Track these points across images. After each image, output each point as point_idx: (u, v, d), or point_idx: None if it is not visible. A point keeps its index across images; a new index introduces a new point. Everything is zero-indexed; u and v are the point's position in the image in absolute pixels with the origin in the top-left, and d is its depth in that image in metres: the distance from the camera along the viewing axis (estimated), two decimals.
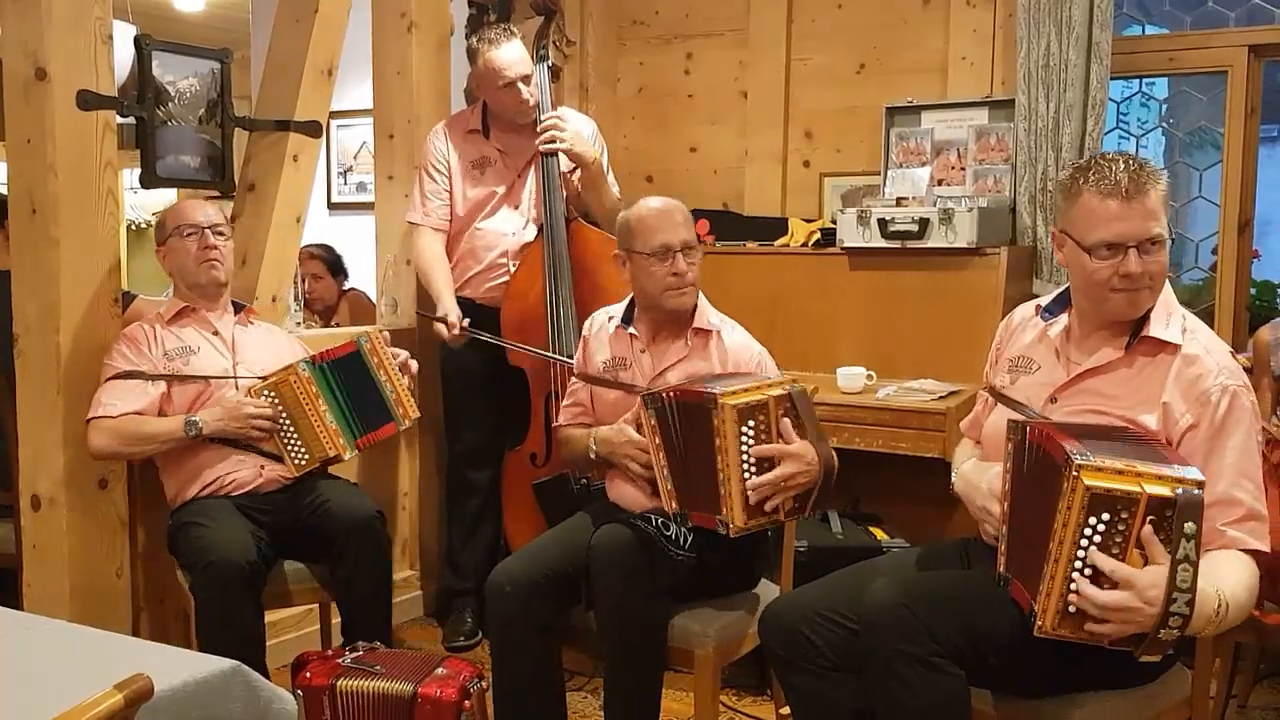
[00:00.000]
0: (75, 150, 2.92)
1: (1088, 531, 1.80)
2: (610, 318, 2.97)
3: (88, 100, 2.92)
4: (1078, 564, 1.81)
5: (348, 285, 4.97)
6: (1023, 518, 2.02)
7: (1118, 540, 1.80)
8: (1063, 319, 2.27)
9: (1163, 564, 1.75)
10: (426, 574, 4.16)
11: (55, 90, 2.87)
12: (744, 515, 2.46)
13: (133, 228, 8.32)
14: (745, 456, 2.45)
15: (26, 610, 2.85)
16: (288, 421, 2.97)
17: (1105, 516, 1.79)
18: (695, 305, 2.85)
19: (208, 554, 2.71)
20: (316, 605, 3.23)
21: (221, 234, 3.10)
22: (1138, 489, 1.78)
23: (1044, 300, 2.33)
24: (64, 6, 2.86)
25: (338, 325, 4.69)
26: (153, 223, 8.73)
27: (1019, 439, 2.03)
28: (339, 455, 3.00)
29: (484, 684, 2.64)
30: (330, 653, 2.70)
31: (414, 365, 3.17)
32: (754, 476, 2.46)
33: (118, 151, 3.05)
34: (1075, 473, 1.80)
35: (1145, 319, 2.12)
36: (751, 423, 2.45)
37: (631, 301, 2.93)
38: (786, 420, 2.49)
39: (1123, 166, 2.07)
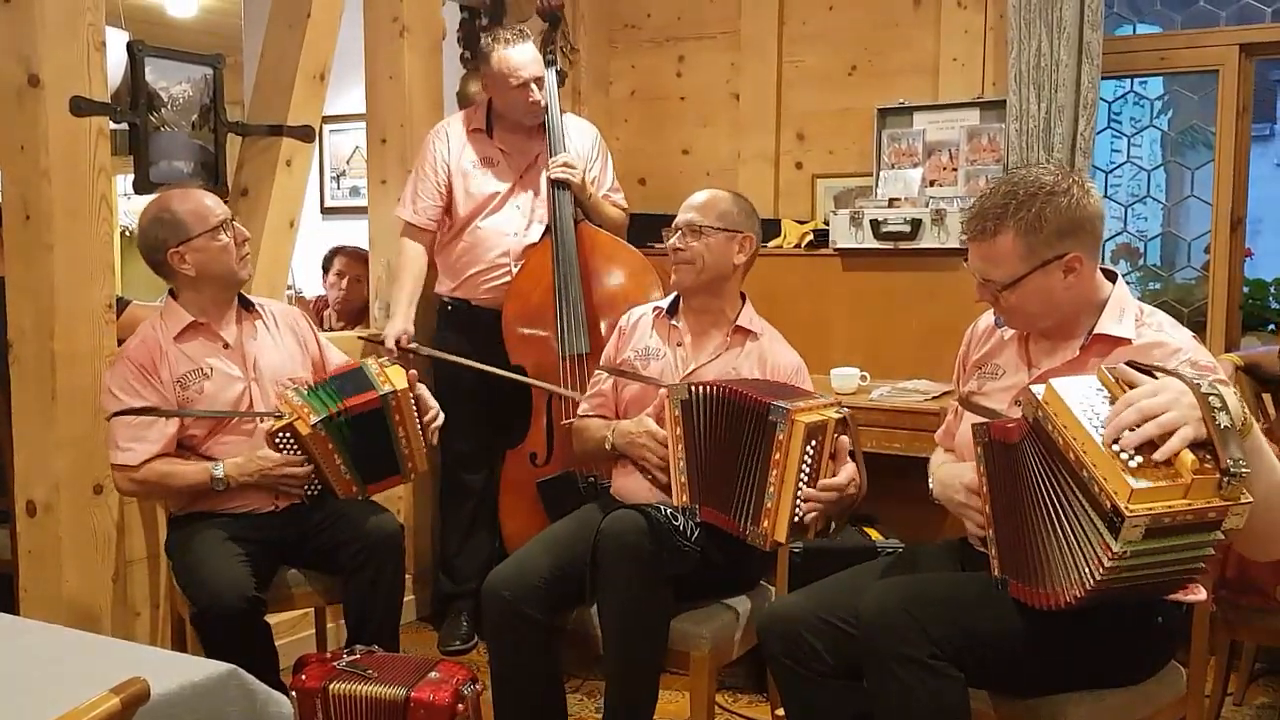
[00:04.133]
0: (69, 156, 2.92)
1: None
2: (656, 308, 3.00)
3: (81, 106, 2.92)
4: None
5: None
6: (1008, 514, 2.02)
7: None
8: None
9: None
10: (421, 577, 4.16)
11: (48, 96, 2.87)
12: (786, 532, 2.47)
13: (126, 233, 8.28)
14: (804, 475, 2.45)
15: (23, 615, 2.85)
16: (308, 463, 2.89)
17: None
18: (735, 306, 2.91)
19: (201, 597, 2.67)
20: (312, 609, 3.23)
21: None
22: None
23: None
24: (57, 13, 2.87)
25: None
26: None
27: (985, 441, 2.04)
28: (352, 498, 2.95)
29: (478, 687, 2.64)
30: (329, 655, 2.71)
31: (440, 420, 3.05)
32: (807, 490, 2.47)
33: (111, 157, 3.05)
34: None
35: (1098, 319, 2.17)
36: (814, 442, 2.46)
37: (678, 296, 2.97)
38: (844, 438, 2.53)
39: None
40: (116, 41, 3.39)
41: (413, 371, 3.00)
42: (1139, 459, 1.74)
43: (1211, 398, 1.74)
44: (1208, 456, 1.73)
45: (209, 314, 2.96)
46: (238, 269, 2.94)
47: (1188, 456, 1.73)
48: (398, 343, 3.71)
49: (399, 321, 3.74)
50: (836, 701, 2.19)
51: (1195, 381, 1.76)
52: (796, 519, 2.47)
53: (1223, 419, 1.73)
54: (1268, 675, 3.51)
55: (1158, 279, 5.05)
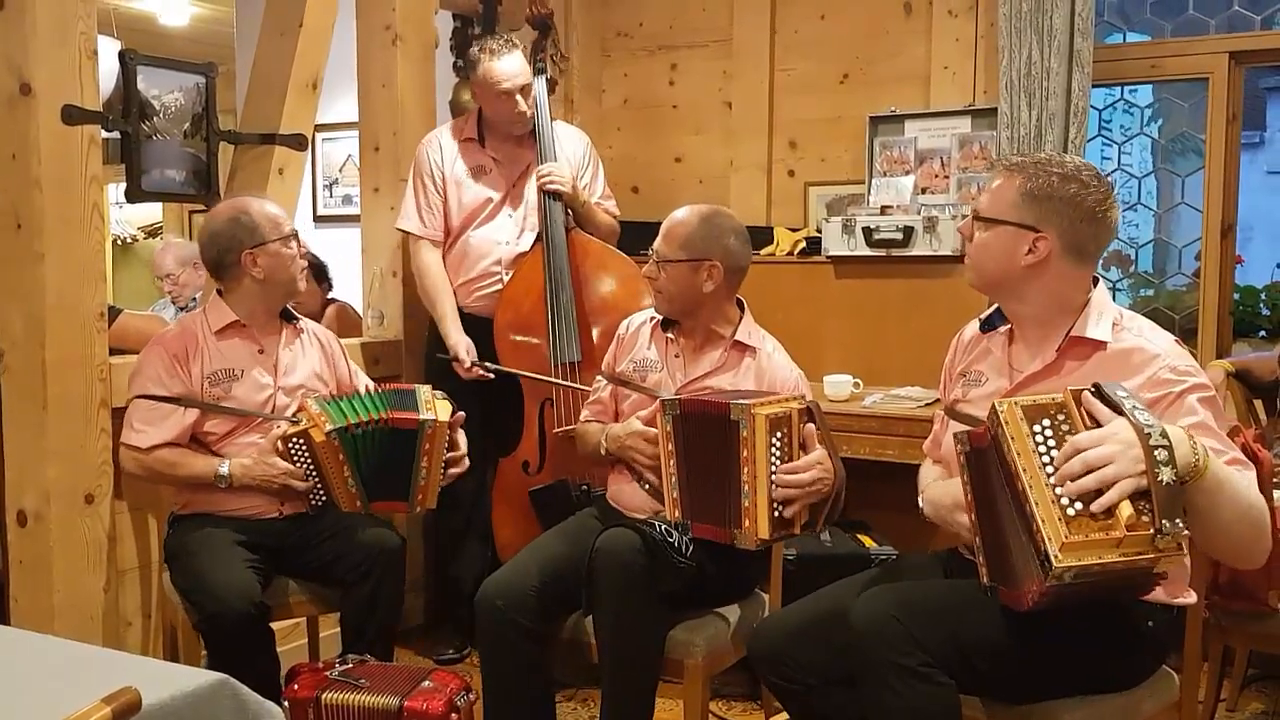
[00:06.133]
0: (60, 165, 2.91)
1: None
2: (652, 318, 2.97)
3: (73, 115, 2.91)
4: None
5: (331, 295, 4.95)
6: (988, 518, 2.02)
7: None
8: (1002, 330, 2.31)
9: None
10: (414, 586, 4.15)
11: (40, 105, 2.86)
12: (769, 528, 2.47)
13: (118, 242, 8.29)
14: (774, 467, 2.46)
15: (13, 625, 2.84)
16: (315, 472, 2.91)
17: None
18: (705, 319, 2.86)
19: (209, 602, 2.66)
20: (305, 618, 3.22)
21: None
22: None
23: (985, 313, 2.35)
24: (49, 21, 2.86)
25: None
26: (138, 238, 8.72)
27: (966, 449, 2.04)
28: (355, 511, 2.96)
29: (472, 696, 2.64)
30: (321, 665, 2.70)
31: (464, 466, 3.08)
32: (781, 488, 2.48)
33: (103, 166, 3.04)
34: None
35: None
36: (779, 434, 2.47)
37: None
38: (811, 426, 2.54)
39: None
40: (108, 50, 3.39)
41: (460, 414, 3.04)
42: (1078, 505, 1.79)
43: (1158, 450, 1.76)
44: (1146, 508, 1.76)
45: (255, 318, 3.03)
46: (296, 280, 3.04)
47: (1125, 509, 1.76)
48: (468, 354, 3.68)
49: (459, 337, 3.70)
50: (836, 707, 2.20)
51: (1146, 430, 1.78)
52: (777, 514, 2.48)
53: (1165, 474, 1.75)
54: (1261, 681, 3.51)
55: (1149, 285, 5.07)
